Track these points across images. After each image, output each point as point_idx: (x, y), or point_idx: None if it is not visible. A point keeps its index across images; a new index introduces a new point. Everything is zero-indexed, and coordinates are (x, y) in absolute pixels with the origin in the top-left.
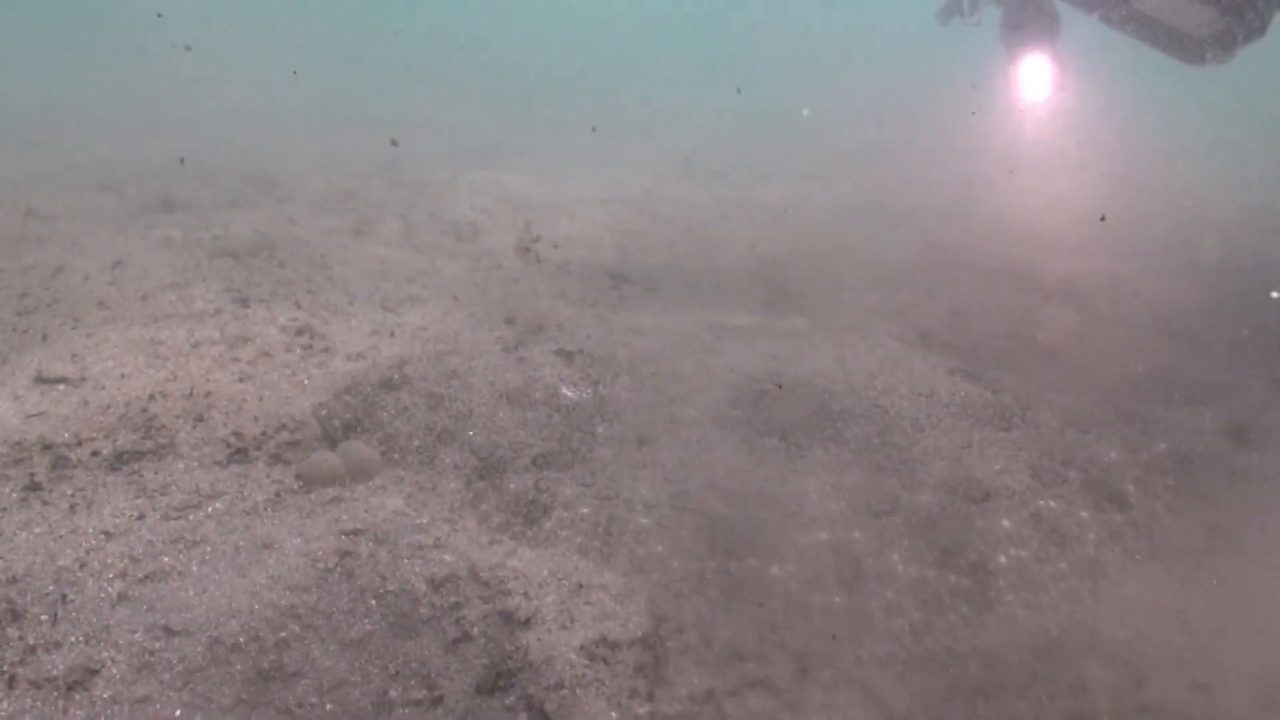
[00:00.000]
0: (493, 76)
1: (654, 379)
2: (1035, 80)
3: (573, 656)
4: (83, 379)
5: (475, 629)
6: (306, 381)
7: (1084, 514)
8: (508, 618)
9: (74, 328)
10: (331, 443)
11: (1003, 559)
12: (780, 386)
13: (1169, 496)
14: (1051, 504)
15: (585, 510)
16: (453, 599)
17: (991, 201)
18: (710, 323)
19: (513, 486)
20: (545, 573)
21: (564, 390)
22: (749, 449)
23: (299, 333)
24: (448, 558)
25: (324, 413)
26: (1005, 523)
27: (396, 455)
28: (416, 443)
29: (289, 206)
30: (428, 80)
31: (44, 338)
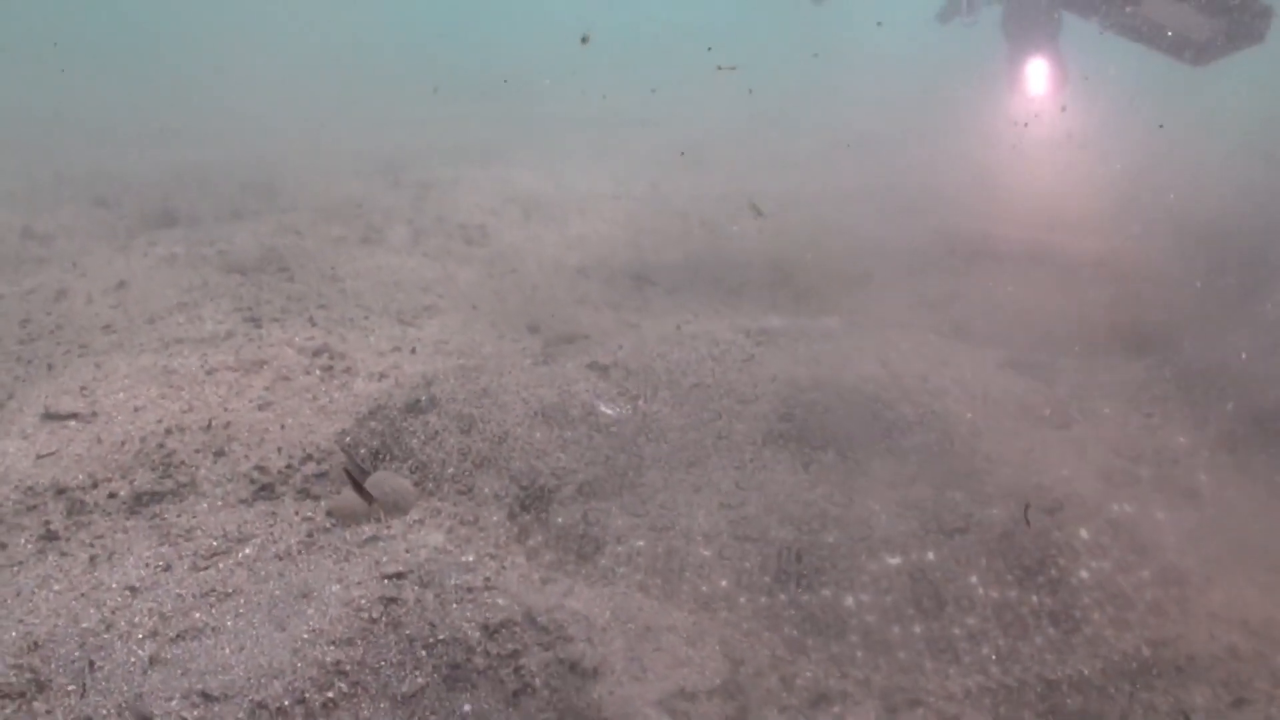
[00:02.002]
0: (488, 71)
1: (696, 392)
2: (1037, 77)
3: (651, 713)
4: (94, 414)
5: (537, 679)
6: (329, 405)
7: (1160, 516)
8: (572, 667)
9: (81, 356)
10: (360, 473)
11: (1084, 573)
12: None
13: (1242, 480)
14: (1126, 508)
15: (641, 543)
16: (510, 646)
17: (1007, 188)
18: (744, 327)
19: (560, 519)
20: (608, 615)
21: (602, 407)
22: (804, 465)
23: (317, 353)
24: (500, 601)
25: (348, 440)
26: (1083, 533)
27: (430, 485)
28: (451, 470)
29: (292, 216)
30: (422, 76)
31: (49, 368)
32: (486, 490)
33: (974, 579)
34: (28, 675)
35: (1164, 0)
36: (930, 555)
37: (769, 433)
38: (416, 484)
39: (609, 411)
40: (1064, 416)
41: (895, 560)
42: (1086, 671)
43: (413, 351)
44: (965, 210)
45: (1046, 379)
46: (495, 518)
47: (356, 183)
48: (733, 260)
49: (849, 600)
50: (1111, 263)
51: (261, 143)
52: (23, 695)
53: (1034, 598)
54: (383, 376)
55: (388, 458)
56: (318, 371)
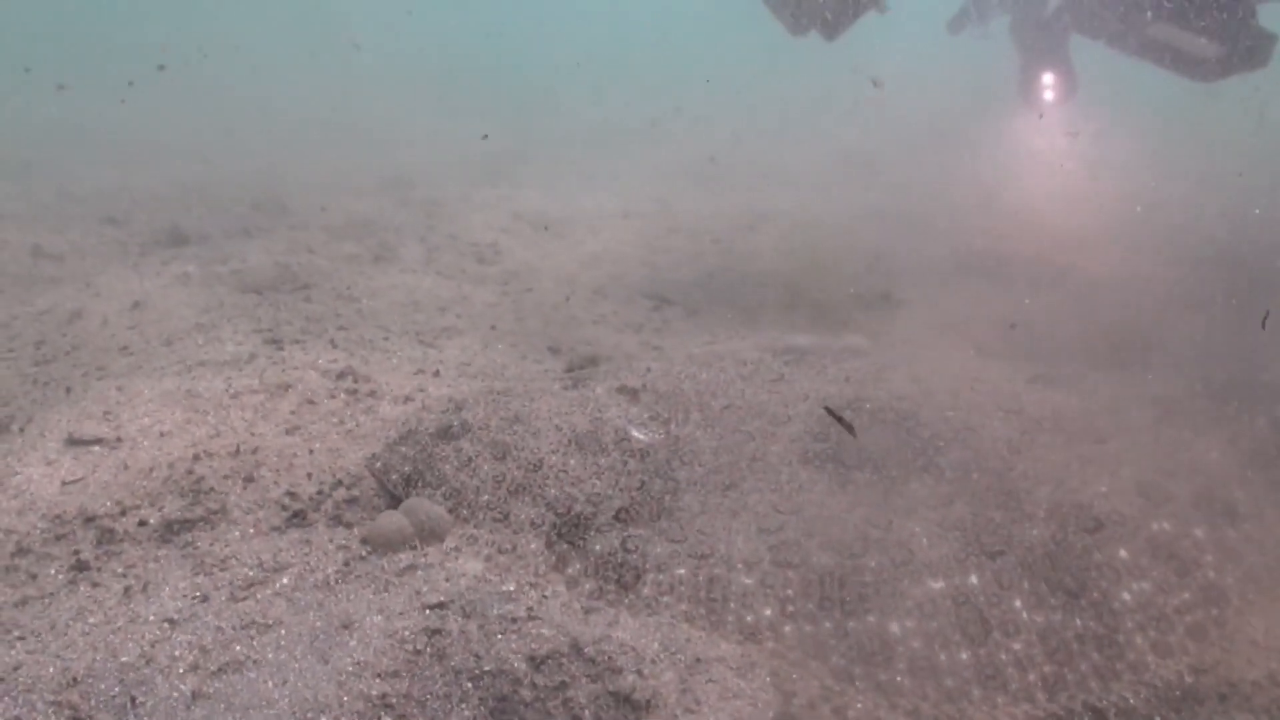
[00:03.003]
0: (493, 87)
1: (727, 414)
2: (1048, 87)
3: None
4: (119, 439)
5: (587, 712)
6: (356, 430)
7: (1198, 533)
8: (623, 700)
9: (100, 379)
10: (393, 500)
11: (1126, 595)
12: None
13: (1276, 496)
14: (1165, 526)
15: (682, 571)
16: (557, 679)
17: (1017, 204)
18: (770, 347)
19: (598, 547)
20: (656, 646)
21: (634, 433)
22: (841, 486)
23: (340, 376)
24: (545, 631)
25: (378, 465)
26: (1123, 553)
27: (465, 511)
28: (486, 498)
29: (304, 234)
30: (426, 92)
31: (68, 391)
32: (523, 517)
33: (1018, 603)
34: (67, 713)
35: (1169, 25)
36: (973, 579)
37: (804, 453)
38: (451, 510)
39: (642, 437)
40: (1099, 431)
41: (938, 584)
42: (1132, 700)
43: (436, 374)
44: (979, 230)
45: (1079, 393)
46: (533, 545)
47: (366, 200)
48: (749, 280)
49: (894, 627)
50: (1130, 281)
51: (265, 159)
52: None
53: (1078, 621)
54: (408, 400)
55: (420, 484)
56: (343, 395)
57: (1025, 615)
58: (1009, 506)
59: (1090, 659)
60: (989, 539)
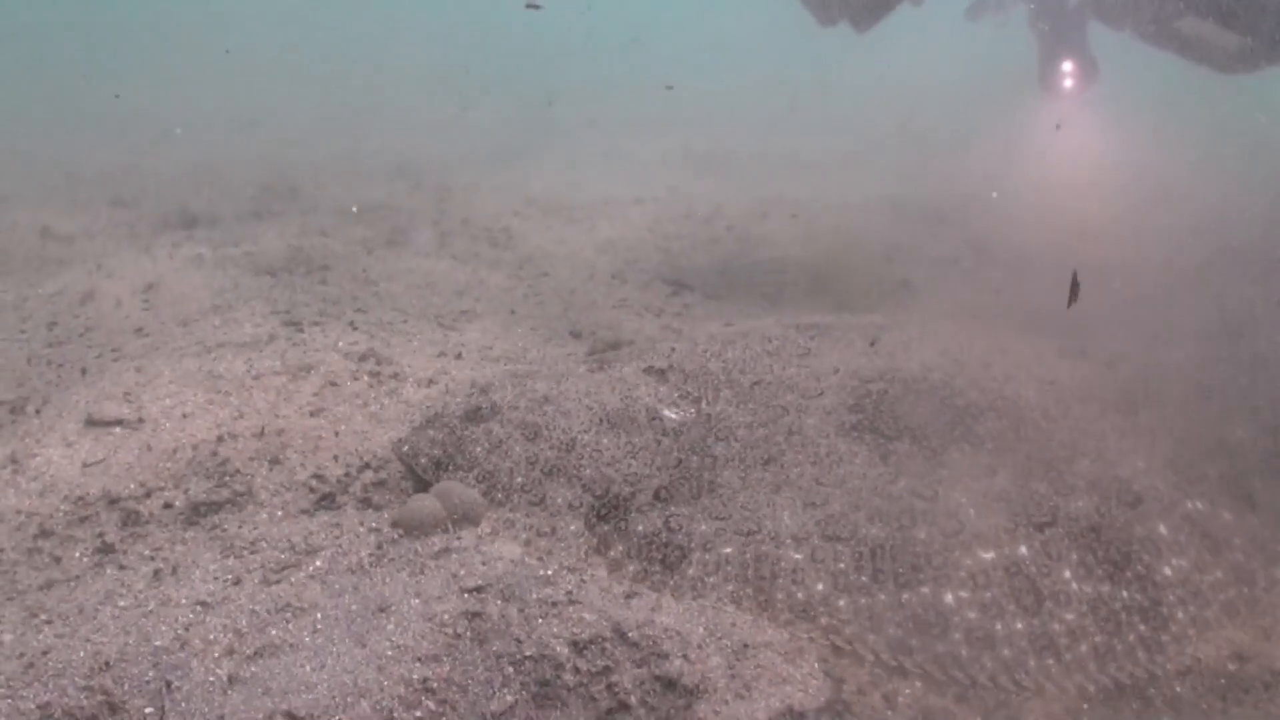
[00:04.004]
0: (504, 74)
1: (758, 390)
2: (1068, 75)
3: None
4: (140, 420)
5: (632, 698)
6: (380, 412)
7: (1226, 516)
8: (670, 685)
9: (116, 360)
10: (421, 483)
11: (1168, 570)
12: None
13: None
14: (1198, 505)
15: (728, 550)
16: (601, 663)
17: (1032, 194)
18: (793, 323)
19: (640, 528)
20: (701, 630)
21: (666, 412)
22: (882, 458)
23: (363, 358)
24: (587, 615)
25: (406, 449)
26: (1162, 529)
27: (499, 495)
28: (520, 480)
29: (316, 217)
30: (435, 79)
31: (84, 372)
32: (559, 500)
33: (1067, 574)
34: (100, 698)
35: (1194, 18)
36: (1023, 549)
37: (840, 425)
38: (485, 494)
39: (673, 415)
40: (1130, 402)
41: (989, 555)
42: (1179, 689)
43: (459, 357)
44: (996, 218)
45: (1108, 365)
46: (573, 527)
47: (377, 184)
48: (766, 266)
49: (949, 597)
50: (1146, 268)
51: (275, 142)
52: (94, 719)
53: (1124, 593)
54: (431, 382)
55: (450, 467)
56: (365, 377)
57: (1075, 586)
58: (1051, 479)
59: (1137, 630)
60: (1036, 510)
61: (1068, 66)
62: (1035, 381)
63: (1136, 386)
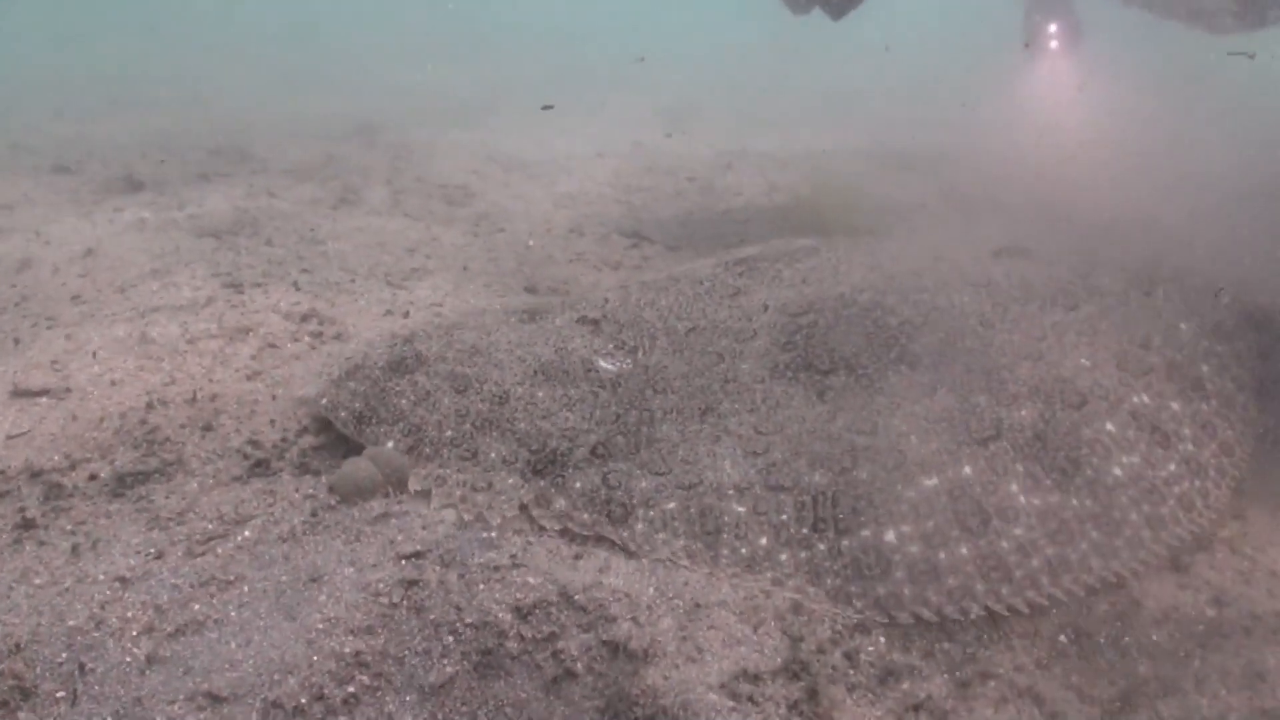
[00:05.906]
0: (462, 32)
1: (693, 336)
2: (1053, 36)
3: (714, 698)
4: (67, 389)
5: (579, 664)
6: (322, 374)
7: (1175, 406)
8: (618, 649)
9: (49, 328)
10: (355, 446)
11: (1117, 470)
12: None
13: (1242, 373)
14: (1145, 399)
15: (672, 505)
16: (546, 629)
17: (1006, 147)
18: (722, 261)
19: (579, 485)
20: (651, 591)
21: (601, 363)
22: (819, 395)
23: (304, 318)
24: (531, 579)
25: (324, 402)
26: (1109, 427)
27: (428, 449)
28: (450, 434)
29: (265, 178)
30: (395, 38)
31: (16, 343)
32: (493, 454)
33: (1014, 487)
34: (10, 682)
35: None
36: (967, 469)
37: (775, 366)
38: (411, 449)
39: (609, 366)
40: (1070, 296)
41: (932, 482)
42: (1155, 636)
43: (406, 315)
44: (967, 169)
45: (1047, 261)
46: (510, 481)
47: (331, 144)
48: (729, 217)
49: (889, 535)
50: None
51: (229, 108)
52: (5, 705)
53: (1074, 501)
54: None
55: (374, 421)
56: (307, 338)
57: (1023, 499)
58: (994, 389)
59: (1090, 538)
60: (978, 426)
61: (1053, 28)
62: (971, 285)
63: (1076, 281)
